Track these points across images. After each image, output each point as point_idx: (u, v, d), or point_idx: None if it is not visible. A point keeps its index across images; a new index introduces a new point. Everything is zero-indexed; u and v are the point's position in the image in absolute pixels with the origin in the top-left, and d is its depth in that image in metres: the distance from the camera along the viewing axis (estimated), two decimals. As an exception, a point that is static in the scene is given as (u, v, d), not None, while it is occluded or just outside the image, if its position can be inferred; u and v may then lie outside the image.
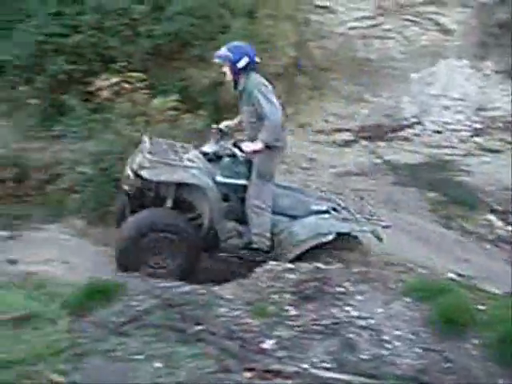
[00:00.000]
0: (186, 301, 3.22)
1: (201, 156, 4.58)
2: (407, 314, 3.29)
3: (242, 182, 4.52)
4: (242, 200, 4.54)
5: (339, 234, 4.48)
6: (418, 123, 8.64)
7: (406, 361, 2.95)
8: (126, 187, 4.56)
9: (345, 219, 4.55)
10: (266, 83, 4.48)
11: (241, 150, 4.38)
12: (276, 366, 2.79)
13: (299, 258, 4.35)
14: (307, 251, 4.43)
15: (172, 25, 7.62)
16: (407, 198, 6.92)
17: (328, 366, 2.85)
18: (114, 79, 5.29)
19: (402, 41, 9.23)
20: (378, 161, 7.70)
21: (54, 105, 6.44)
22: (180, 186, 4.43)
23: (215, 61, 4.58)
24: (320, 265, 3.63)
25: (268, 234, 4.50)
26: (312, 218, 4.54)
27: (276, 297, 3.29)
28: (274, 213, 4.54)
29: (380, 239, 4.66)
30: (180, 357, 2.81)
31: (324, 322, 3.10)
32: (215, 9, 7.91)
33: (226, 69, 4.49)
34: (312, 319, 3.12)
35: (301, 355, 2.89)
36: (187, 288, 3.39)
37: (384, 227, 4.67)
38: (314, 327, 3.07)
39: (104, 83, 5.32)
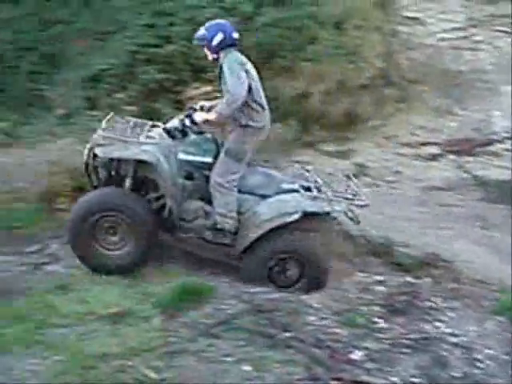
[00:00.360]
0: (275, 307, 3.26)
1: (164, 134, 4.41)
2: (500, 333, 3.19)
3: (207, 159, 4.34)
4: (209, 179, 4.34)
5: (306, 214, 4.20)
6: (509, 138, 8.32)
7: (500, 382, 2.85)
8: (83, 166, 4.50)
9: (315, 198, 4.25)
10: (244, 60, 4.28)
11: (192, 121, 4.24)
12: (365, 378, 2.77)
13: (261, 238, 4.19)
14: (271, 231, 4.20)
15: (260, 36, 7.75)
16: (496, 215, 6.66)
17: (418, 380, 2.80)
18: (205, 88, 5.41)
19: (494, 52, 8.95)
20: (466, 176, 7.44)
21: (147, 112, 6.68)
22: (139, 164, 4.31)
23: (195, 43, 4.46)
24: (410, 279, 3.57)
25: (233, 214, 4.28)
26: (278, 197, 4.29)
27: (365, 308, 3.28)
28: (242, 192, 4.33)
29: (354, 220, 4.36)
30: (269, 361, 2.84)
31: (414, 337, 3.06)
32: (303, 20, 7.98)
33: (205, 49, 4.34)
34: (401, 333, 3.08)
35: (390, 368, 2.86)
36: (276, 295, 3.43)
37: (360, 206, 4.32)
38: (404, 341, 3.03)
39: (195, 92, 5.45)
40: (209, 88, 5.41)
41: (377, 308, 3.27)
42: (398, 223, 5.81)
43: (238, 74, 4.13)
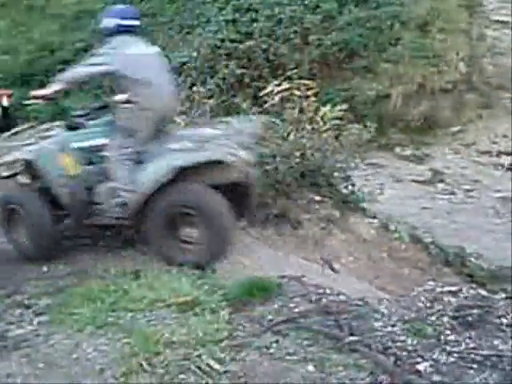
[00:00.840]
0: (342, 310, 3.24)
1: (59, 130, 4.56)
2: None
3: (98, 141, 4.37)
4: None
5: (184, 169, 4.00)
6: None
7: None
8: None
9: (186, 151, 4.07)
10: (124, 44, 4.17)
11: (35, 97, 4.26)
12: (430, 390, 2.70)
13: (145, 204, 4.14)
14: (154, 195, 4.09)
15: (341, 35, 7.70)
16: None
17: (485, 399, 2.70)
18: (284, 85, 5.41)
19: None
20: (548, 189, 7.13)
21: (225, 106, 6.78)
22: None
23: None
24: (483, 292, 3.45)
25: (129, 187, 4.21)
26: (155, 161, 4.14)
27: (434, 319, 3.18)
28: (137, 163, 4.24)
29: (230, 163, 3.99)
30: (333, 364, 2.81)
31: (485, 353, 2.94)
32: (385, 20, 7.86)
33: None
34: (472, 348, 2.97)
35: (457, 383, 2.77)
36: (344, 297, 3.40)
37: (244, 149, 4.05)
38: (474, 356, 2.92)
39: (274, 89, 5.47)
40: (289, 85, 5.39)
41: (447, 319, 3.17)
42: (472, 233, 5.65)
43: (105, 53, 4.13)
